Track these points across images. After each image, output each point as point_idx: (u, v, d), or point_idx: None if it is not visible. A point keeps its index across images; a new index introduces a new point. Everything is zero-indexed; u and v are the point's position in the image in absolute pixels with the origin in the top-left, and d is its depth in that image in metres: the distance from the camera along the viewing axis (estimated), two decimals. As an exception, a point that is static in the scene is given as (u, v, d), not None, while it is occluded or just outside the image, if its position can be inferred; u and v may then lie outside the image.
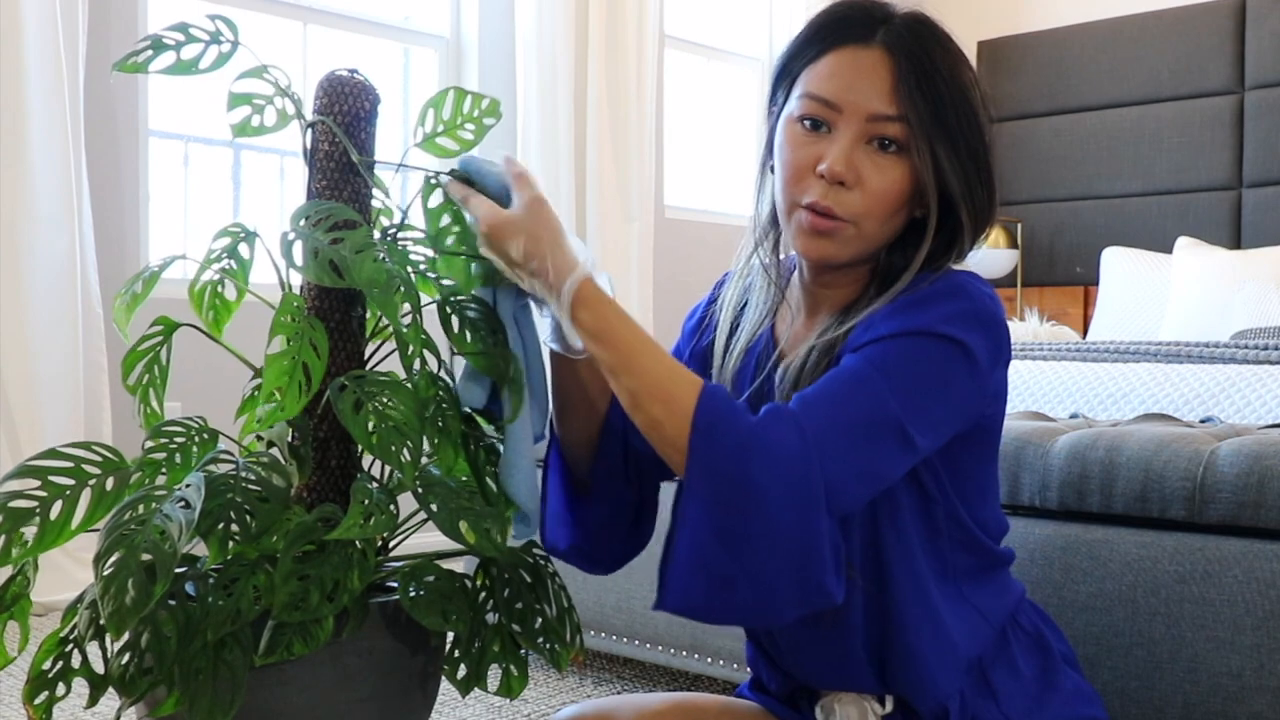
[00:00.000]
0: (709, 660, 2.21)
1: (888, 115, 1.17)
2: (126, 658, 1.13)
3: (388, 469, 1.25)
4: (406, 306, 1.20)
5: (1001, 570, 1.29)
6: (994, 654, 1.26)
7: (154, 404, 1.30)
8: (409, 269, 1.23)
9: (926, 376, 1.13)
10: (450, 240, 1.27)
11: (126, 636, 1.13)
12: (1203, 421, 1.93)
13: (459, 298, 1.26)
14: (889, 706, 1.26)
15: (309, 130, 1.29)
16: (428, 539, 1.54)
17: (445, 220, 1.28)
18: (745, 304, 1.35)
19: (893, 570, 1.20)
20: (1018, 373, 2.62)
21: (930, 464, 1.20)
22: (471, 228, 1.22)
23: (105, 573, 1.06)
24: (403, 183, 4.08)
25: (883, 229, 1.20)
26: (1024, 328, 4.34)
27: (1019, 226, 5.26)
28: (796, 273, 1.32)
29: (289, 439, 1.27)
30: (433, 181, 1.27)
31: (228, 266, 1.29)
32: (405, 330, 1.20)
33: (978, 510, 1.25)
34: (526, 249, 1.17)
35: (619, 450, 1.32)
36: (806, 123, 1.20)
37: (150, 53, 1.27)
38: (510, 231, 1.18)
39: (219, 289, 1.30)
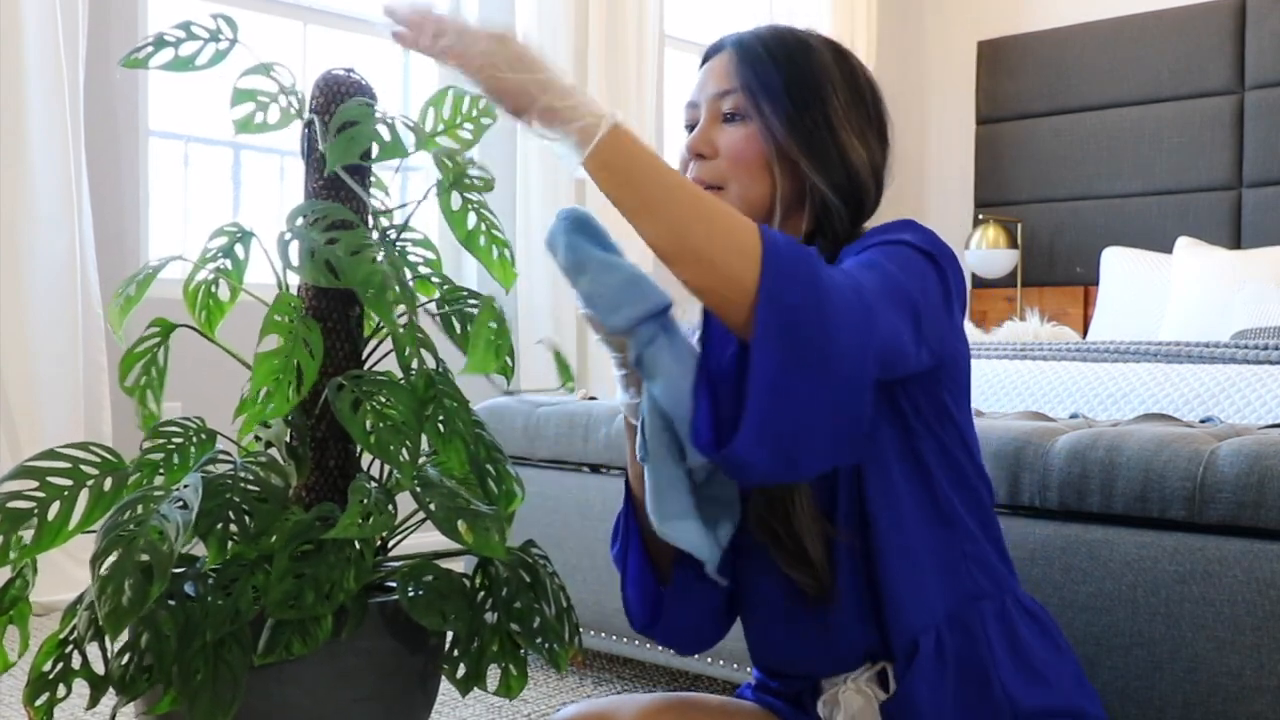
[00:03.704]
0: (709, 660, 2.21)
1: (725, 90, 1.30)
2: (126, 658, 1.13)
3: (386, 468, 1.25)
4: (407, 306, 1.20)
5: (990, 521, 1.31)
6: (997, 626, 1.27)
7: (152, 405, 1.30)
8: (406, 269, 1.23)
9: (917, 276, 1.19)
10: (483, 240, 1.27)
11: (126, 637, 1.13)
12: (1203, 421, 1.92)
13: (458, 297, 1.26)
14: (893, 688, 1.26)
15: (307, 129, 1.29)
16: (427, 538, 1.54)
17: (472, 221, 1.28)
18: None
19: (875, 505, 1.23)
20: (1018, 373, 2.62)
21: (911, 395, 1.23)
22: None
23: (102, 573, 1.06)
24: (402, 183, 4.08)
25: (754, 186, 1.29)
26: (1024, 328, 4.33)
27: (1019, 226, 5.26)
28: None
29: (287, 439, 1.27)
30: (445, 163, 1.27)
31: (223, 266, 1.29)
32: (401, 331, 1.20)
33: (960, 452, 1.28)
34: (549, 105, 1.09)
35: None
36: (686, 129, 1.35)
37: (152, 49, 1.27)
38: (526, 97, 1.09)
39: (212, 289, 1.30)
